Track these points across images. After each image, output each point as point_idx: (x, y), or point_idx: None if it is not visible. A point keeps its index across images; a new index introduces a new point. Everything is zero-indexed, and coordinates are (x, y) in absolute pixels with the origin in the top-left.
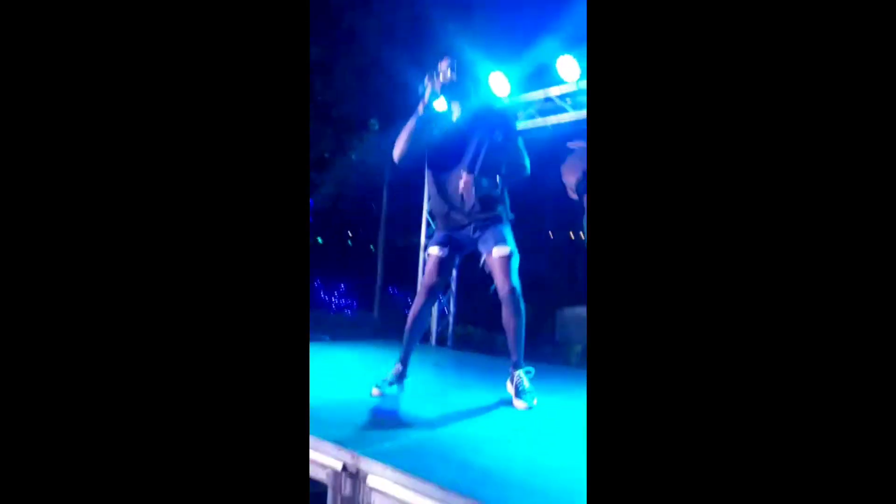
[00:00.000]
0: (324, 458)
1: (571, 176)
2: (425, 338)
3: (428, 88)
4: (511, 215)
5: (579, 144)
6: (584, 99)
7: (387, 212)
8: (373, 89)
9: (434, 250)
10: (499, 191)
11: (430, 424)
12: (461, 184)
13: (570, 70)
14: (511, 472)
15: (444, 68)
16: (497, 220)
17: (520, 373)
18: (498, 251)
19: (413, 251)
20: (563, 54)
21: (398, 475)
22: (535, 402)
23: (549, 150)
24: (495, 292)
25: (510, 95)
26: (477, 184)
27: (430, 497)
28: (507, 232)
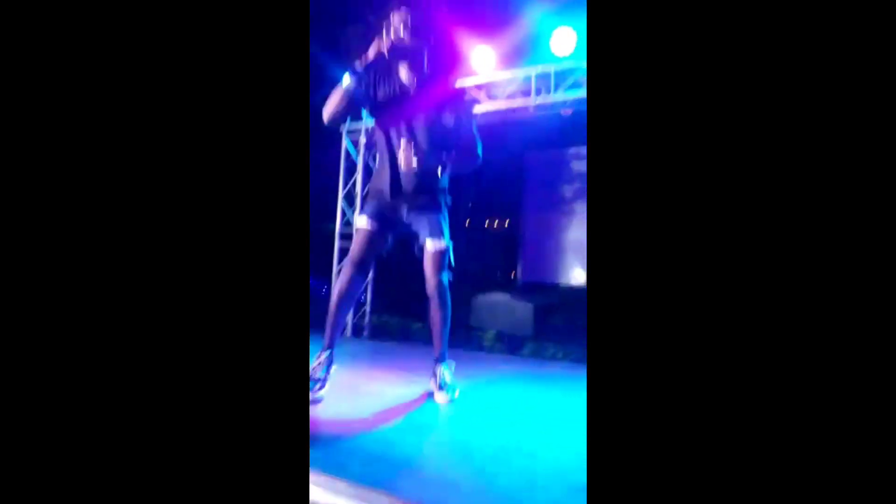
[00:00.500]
0: None
1: None
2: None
3: (375, 46)
4: (449, 200)
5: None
6: (496, 92)
7: (344, 191)
8: None
9: (362, 221)
10: (442, 175)
11: (346, 419)
12: (401, 156)
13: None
14: (429, 464)
15: (397, 23)
16: (435, 207)
17: (442, 367)
18: (433, 244)
19: (327, 238)
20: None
21: (335, 483)
22: (456, 394)
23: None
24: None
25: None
26: (422, 161)
27: (343, 494)
28: (444, 222)
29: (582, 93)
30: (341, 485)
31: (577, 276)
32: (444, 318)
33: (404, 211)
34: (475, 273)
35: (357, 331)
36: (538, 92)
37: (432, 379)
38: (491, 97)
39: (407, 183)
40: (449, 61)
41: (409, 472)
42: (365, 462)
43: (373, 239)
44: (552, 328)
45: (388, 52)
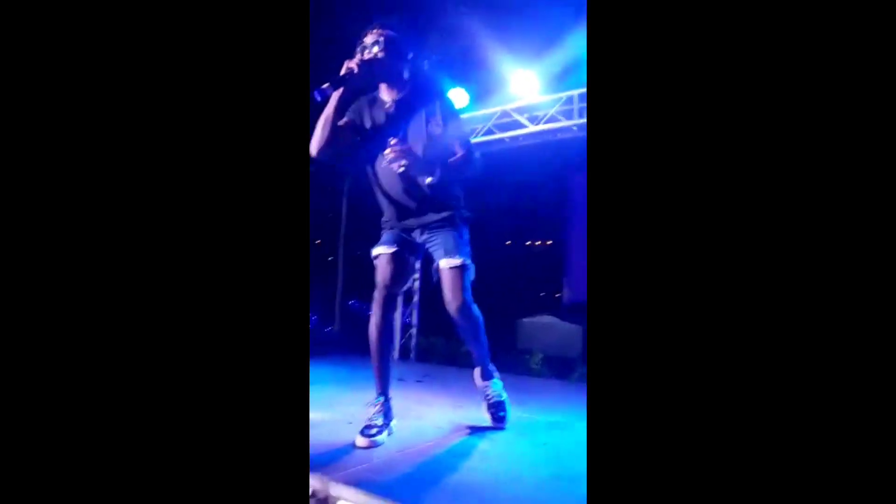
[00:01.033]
0: None
1: None
2: None
3: (348, 66)
4: (467, 214)
5: None
6: (538, 114)
7: (346, 221)
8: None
9: (378, 250)
10: (442, 184)
11: (399, 443)
12: (384, 160)
13: (525, 86)
14: (482, 489)
15: (370, 43)
16: (447, 224)
17: (490, 386)
18: (446, 262)
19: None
20: (517, 69)
21: (368, 499)
22: (509, 414)
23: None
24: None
25: (468, 109)
26: (410, 166)
27: None
28: (460, 238)
29: None
30: None
31: None
32: (476, 336)
33: (417, 232)
34: (519, 294)
35: (404, 352)
36: (581, 113)
37: (483, 401)
38: (533, 120)
39: (411, 202)
40: (431, 76)
41: (463, 496)
42: (422, 488)
43: (392, 262)
44: None
45: (359, 67)
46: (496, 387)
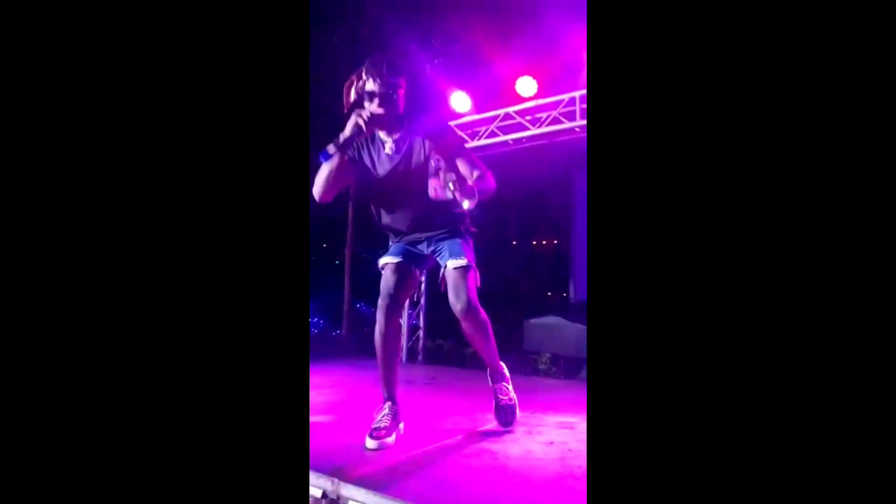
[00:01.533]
0: None
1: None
2: None
3: (352, 121)
4: (471, 230)
5: None
6: (541, 116)
7: (353, 225)
8: (337, 106)
9: (384, 260)
10: (454, 204)
11: (407, 445)
12: (432, 190)
13: (528, 88)
14: (490, 489)
15: (371, 91)
16: (456, 233)
17: (504, 387)
18: (452, 263)
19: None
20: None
21: (379, 499)
22: (517, 414)
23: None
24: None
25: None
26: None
27: None
28: (466, 245)
29: None
30: None
31: None
32: (484, 337)
33: (424, 244)
34: (526, 295)
35: (411, 355)
36: (583, 114)
37: (494, 401)
38: (535, 122)
39: (423, 217)
40: (433, 107)
41: (474, 497)
42: (432, 487)
43: (397, 272)
44: None
45: (367, 123)
46: (506, 390)
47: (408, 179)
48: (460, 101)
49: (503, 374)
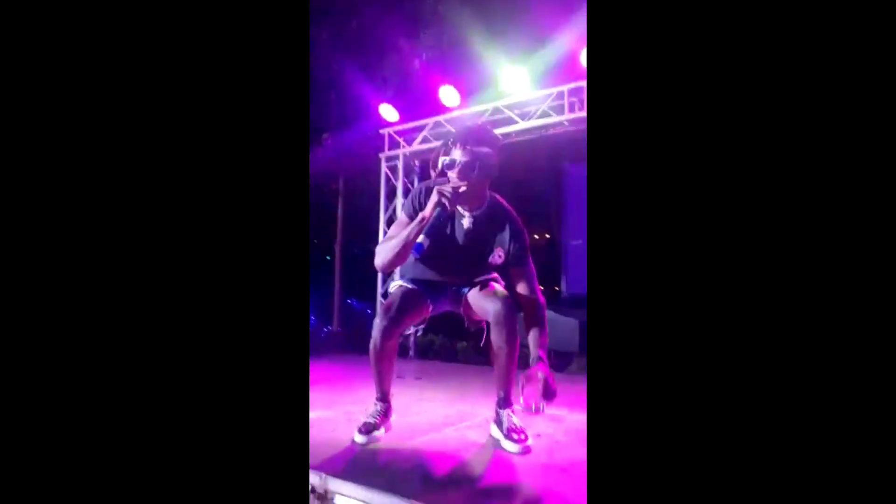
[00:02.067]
0: None
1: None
2: None
3: (433, 203)
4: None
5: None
6: (529, 110)
7: (342, 220)
8: (322, 101)
9: (399, 283)
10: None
11: (396, 439)
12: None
13: (516, 82)
14: (477, 480)
15: (459, 161)
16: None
17: (508, 413)
18: (480, 286)
19: (372, 259)
20: (507, 65)
21: (367, 493)
22: (528, 439)
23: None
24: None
25: (460, 106)
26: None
27: None
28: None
29: None
30: (398, 502)
31: None
32: (511, 352)
33: (449, 288)
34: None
35: (403, 350)
36: (571, 108)
37: (494, 425)
38: (524, 116)
39: (458, 272)
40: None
41: (461, 490)
42: (420, 481)
43: (408, 296)
44: None
45: (450, 200)
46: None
47: (468, 248)
48: (449, 95)
49: (508, 400)
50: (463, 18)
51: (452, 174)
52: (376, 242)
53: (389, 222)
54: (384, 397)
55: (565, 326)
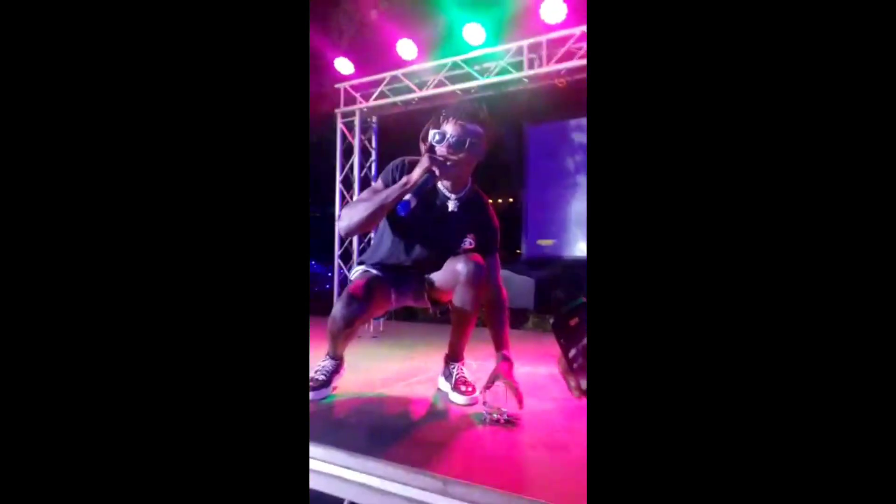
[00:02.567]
0: None
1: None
2: None
3: (421, 165)
4: None
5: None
6: (489, 65)
7: None
8: None
9: (361, 268)
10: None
11: (348, 394)
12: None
13: (476, 36)
14: (422, 434)
15: (452, 134)
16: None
17: (458, 366)
18: (465, 262)
19: (329, 221)
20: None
21: (313, 449)
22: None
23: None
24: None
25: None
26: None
27: (341, 464)
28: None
29: (576, 62)
30: (340, 455)
31: (580, 248)
32: (472, 319)
33: (414, 278)
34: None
35: None
36: (531, 64)
37: (442, 377)
38: (483, 72)
39: (429, 260)
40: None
41: (406, 440)
42: (366, 436)
43: (372, 286)
44: (555, 301)
45: (441, 167)
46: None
47: (448, 234)
48: (407, 48)
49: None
50: None
51: (441, 148)
52: (333, 206)
53: (345, 181)
54: (336, 356)
55: (523, 285)
